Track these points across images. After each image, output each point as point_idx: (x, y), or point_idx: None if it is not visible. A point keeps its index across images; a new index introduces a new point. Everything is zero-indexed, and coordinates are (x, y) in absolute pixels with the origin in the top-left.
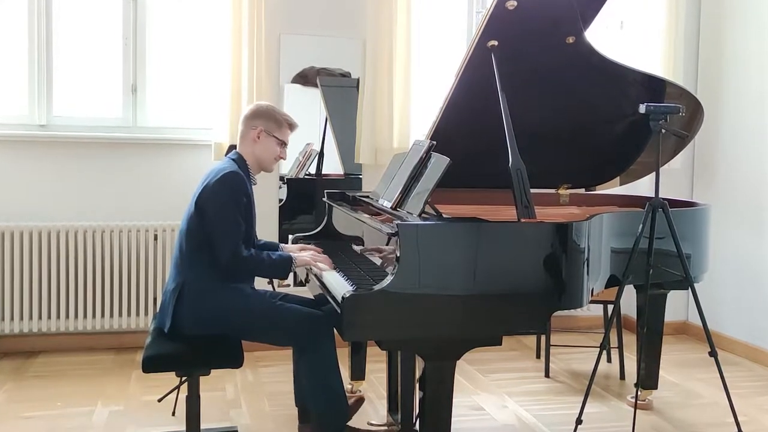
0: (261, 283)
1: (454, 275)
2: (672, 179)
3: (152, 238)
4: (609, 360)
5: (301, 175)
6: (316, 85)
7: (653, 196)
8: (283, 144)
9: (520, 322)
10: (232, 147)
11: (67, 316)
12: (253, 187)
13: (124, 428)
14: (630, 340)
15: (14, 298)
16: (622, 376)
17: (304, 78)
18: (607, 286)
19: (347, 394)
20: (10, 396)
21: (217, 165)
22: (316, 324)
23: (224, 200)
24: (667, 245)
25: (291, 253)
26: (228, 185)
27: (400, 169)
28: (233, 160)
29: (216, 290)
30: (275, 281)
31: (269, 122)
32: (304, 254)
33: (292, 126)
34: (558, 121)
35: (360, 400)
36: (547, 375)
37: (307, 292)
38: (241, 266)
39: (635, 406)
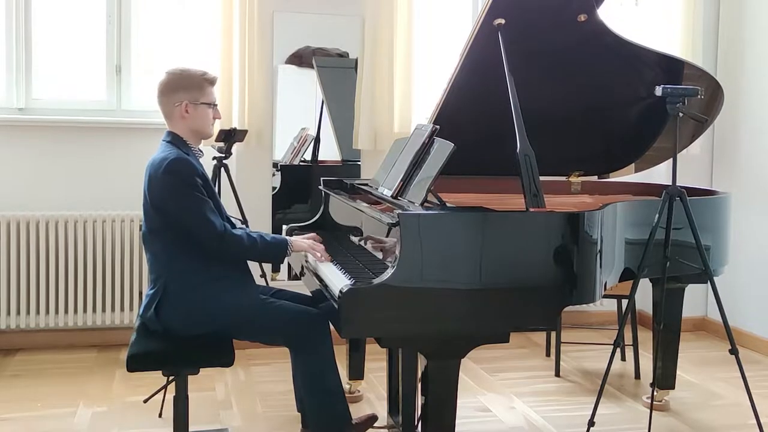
0: (255, 278)
1: (458, 268)
2: (690, 166)
3: (138, 228)
4: (623, 358)
5: (295, 162)
6: (311, 66)
7: (670, 183)
8: (214, 105)
9: (528, 318)
10: (222, 131)
11: (47, 312)
12: (201, 161)
13: (108, 430)
14: (645, 337)
15: None
16: (637, 376)
17: (299, 58)
18: (621, 280)
19: (347, 395)
20: None
21: (155, 156)
22: (311, 321)
23: (180, 190)
24: (684, 236)
25: (287, 237)
26: (176, 173)
27: (401, 155)
28: (169, 142)
29: (200, 287)
30: (269, 275)
31: (190, 91)
32: (302, 240)
33: (212, 81)
34: (569, 104)
35: (372, 418)
36: (557, 374)
37: (303, 288)
38: (232, 247)
39: (651, 407)
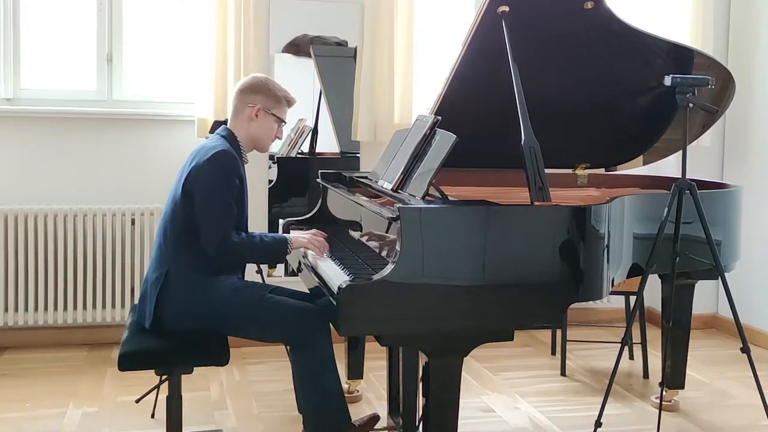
0: (249, 273)
1: (460, 264)
2: (700, 158)
3: (130, 222)
4: (631, 357)
5: (293, 154)
6: (309, 55)
7: (680, 176)
8: (282, 122)
9: (533, 316)
10: (217, 123)
11: (36, 309)
12: (245, 167)
13: (99, 431)
14: (654, 335)
15: None
16: (646, 375)
17: (296, 47)
18: (629, 276)
19: (346, 395)
20: None
21: (205, 143)
22: (309, 318)
23: (215, 183)
24: (694, 231)
25: (286, 235)
26: (219, 165)
27: (401, 147)
28: (223, 137)
29: (202, 281)
30: (264, 270)
31: (268, 99)
32: (301, 236)
33: (290, 102)
34: (575, 95)
35: (374, 418)
36: (563, 373)
37: (299, 284)
38: (231, 254)
39: (660, 408)
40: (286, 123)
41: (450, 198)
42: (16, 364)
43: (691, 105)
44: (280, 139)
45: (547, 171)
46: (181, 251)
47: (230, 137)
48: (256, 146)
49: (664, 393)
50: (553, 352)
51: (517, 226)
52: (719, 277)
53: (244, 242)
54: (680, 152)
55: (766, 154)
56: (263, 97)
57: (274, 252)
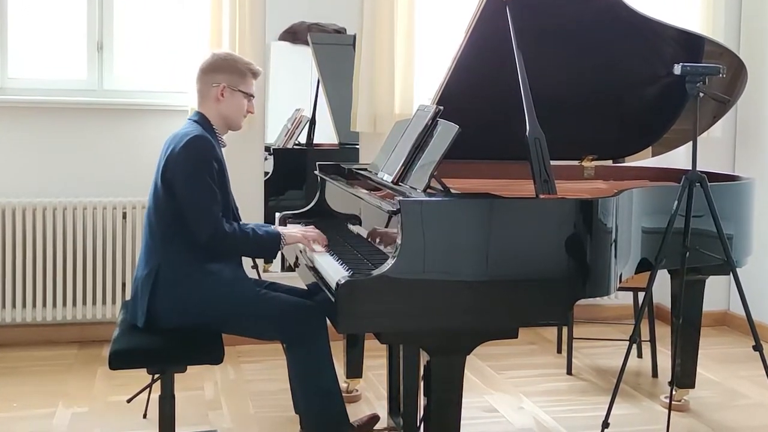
0: (245, 269)
1: (463, 258)
2: (711, 149)
3: (121, 216)
4: (639, 355)
5: (289, 145)
6: (306, 43)
7: (690, 168)
8: (250, 96)
9: (538, 312)
10: None
11: (24, 306)
12: (222, 150)
13: None
14: (663, 333)
15: None
16: (655, 374)
17: (294, 35)
18: (637, 272)
19: (344, 395)
20: None
21: (178, 130)
22: (306, 314)
23: (194, 170)
24: (705, 224)
25: (280, 229)
26: (195, 151)
27: (402, 138)
28: (195, 121)
29: (194, 275)
30: (260, 266)
31: (232, 75)
32: (294, 231)
33: (255, 74)
34: (582, 84)
35: (374, 419)
36: (569, 372)
37: (296, 280)
38: (223, 243)
39: (669, 408)
40: (254, 97)
41: (452, 191)
42: (3, 362)
43: (701, 94)
44: (252, 113)
45: (552, 163)
46: (170, 245)
47: (202, 121)
48: (229, 126)
49: (673, 392)
50: (559, 351)
51: (521, 220)
52: (731, 273)
53: (236, 233)
54: (690, 143)
55: None
56: (226, 74)
57: (266, 247)
